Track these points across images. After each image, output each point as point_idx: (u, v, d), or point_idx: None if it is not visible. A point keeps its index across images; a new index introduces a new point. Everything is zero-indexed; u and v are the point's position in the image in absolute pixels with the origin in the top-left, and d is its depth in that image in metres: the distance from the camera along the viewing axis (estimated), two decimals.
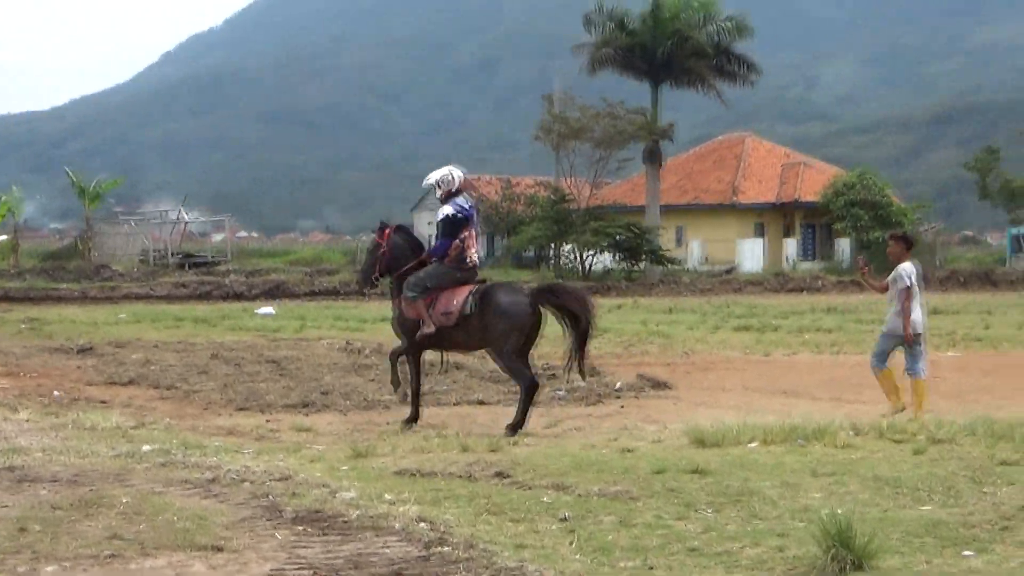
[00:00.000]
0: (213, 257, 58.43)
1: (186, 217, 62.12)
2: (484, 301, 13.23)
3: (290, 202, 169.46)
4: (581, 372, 13.89)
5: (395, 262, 13.67)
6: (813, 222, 64.44)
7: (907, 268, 13.94)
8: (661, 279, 50.68)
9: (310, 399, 15.85)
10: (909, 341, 13.96)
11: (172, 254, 57.31)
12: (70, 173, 55.74)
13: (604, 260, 53.03)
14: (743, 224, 63.49)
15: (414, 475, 10.47)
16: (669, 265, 53.71)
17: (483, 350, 14.34)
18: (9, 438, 12.08)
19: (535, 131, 55.88)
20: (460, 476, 10.37)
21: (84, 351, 21.45)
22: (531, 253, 62.38)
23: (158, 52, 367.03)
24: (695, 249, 61.92)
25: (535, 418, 13.89)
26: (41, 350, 21.76)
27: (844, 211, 58.73)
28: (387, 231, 13.88)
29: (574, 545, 8.07)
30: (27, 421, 13.27)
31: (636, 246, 52.19)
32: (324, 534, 8.18)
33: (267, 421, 14.29)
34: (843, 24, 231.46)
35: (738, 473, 10.22)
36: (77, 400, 15.87)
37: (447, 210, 13.50)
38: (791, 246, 62.31)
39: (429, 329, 13.29)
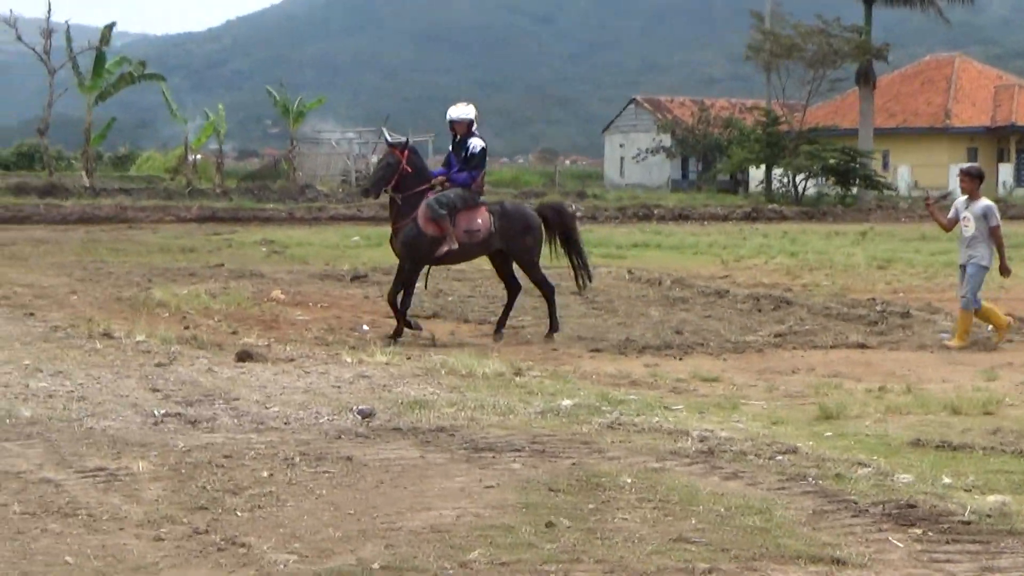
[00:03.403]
0: None
1: (388, 137, 59.73)
2: (506, 219, 14.25)
3: (443, 123, 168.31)
4: (589, 279, 15.24)
5: (409, 180, 14.10)
6: None
7: (994, 206, 14.30)
8: (878, 204, 47.82)
9: (668, 339, 13.92)
10: (1007, 274, 14.62)
11: None
12: (273, 91, 53.15)
13: (813, 185, 50.23)
14: (954, 148, 60.01)
15: (941, 447, 8.54)
16: (884, 191, 50.72)
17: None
18: (390, 387, 10.29)
19: (744, 50, 52.82)
20: (1008, 452, 8.35)
21: (358, 278, 19.78)
22: (726, 177, 59.74)
23: None
24: (903, 174, 58.60)
25: (962, 371, 12.36)
26: (311, 277, 20.15)
27: None
28: (407, 151, 14.22)
29: None
30: (388, 365, 11.47)
31: (849, 170, 49.23)
32: (952, 541, 6.17)
33: (645, 366, 12.30)
34: None
35: None
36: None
37: (481, 143, 14.22)
38: (1006, 171, 58.69)
39: (454, 245, 13.98)
